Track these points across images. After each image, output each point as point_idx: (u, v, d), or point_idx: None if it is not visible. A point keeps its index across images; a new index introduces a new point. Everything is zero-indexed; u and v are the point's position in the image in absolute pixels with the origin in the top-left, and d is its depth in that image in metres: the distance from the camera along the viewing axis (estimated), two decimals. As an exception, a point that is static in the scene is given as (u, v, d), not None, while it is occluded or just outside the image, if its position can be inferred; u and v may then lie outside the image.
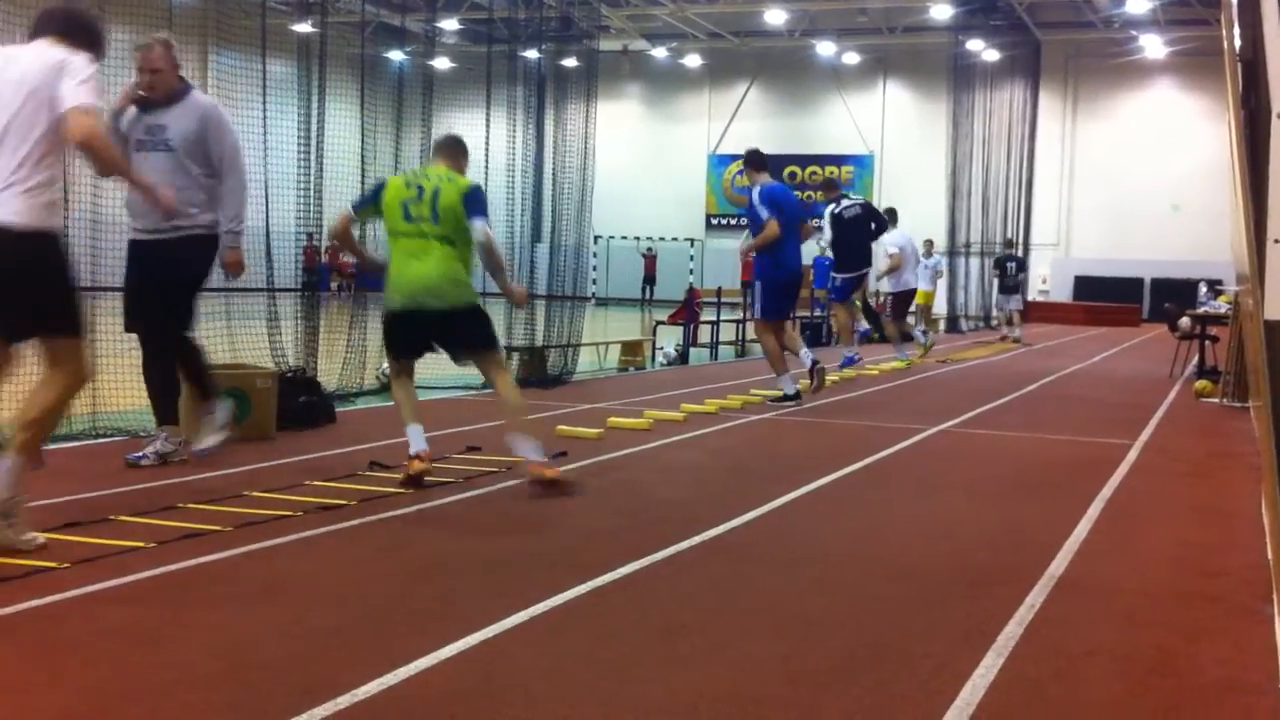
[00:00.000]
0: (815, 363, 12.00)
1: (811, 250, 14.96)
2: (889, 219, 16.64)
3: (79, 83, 4.99)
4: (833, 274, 15.97)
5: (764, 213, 11.16)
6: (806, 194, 42.58)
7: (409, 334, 7.10)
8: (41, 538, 5.12)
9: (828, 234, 15.67)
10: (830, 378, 13.14)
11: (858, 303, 18.98)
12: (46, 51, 5.12)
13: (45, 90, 4.98)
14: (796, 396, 11.32)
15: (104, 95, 5.36)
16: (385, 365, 11.87)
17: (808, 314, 22.61)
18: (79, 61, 5.07)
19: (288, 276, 13.16)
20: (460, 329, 7.07)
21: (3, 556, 4.87)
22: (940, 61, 35.72)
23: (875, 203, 20.78)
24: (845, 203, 15.53)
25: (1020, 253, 32.29)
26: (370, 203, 7.19)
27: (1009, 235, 30.66)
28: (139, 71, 7.03)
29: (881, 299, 21.41)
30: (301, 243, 10.86)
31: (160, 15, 10.05)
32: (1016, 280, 24.22)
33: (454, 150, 7.41)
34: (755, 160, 11.65)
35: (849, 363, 15.09)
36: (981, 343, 22.95)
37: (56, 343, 5.16)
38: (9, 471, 5.00)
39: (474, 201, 7.03)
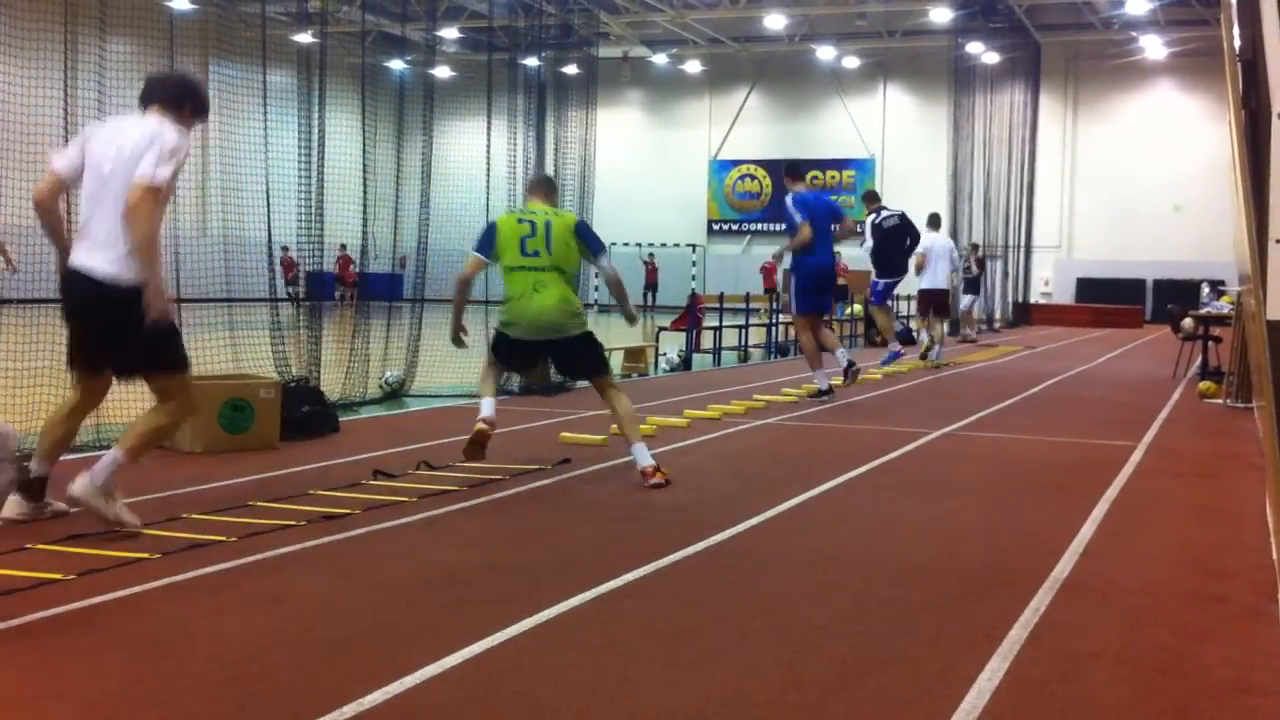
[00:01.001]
0: (851, 364, 12.41)
1: (856, 253, 15.38)
2: (931, 224, 17.85)
3: (157, 158, 5.43)
4: (873, 278, 16.83)
5: (797, 217, 11.85)
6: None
7: (522, 357, 7.97)
8: (138, 521, 5.64)
9: (869, 242, 16.30)
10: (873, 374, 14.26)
11: (851, 310, 19.39)
12: (147, 122, 5.62)
13: (137, 159, 5.44)
14: (830, 392, 12.06)
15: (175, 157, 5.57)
16: (389, 374, 11.93)
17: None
18: (169, 135, 5.52)
19: (281, 286, 13.18)
20: (579, 356, 7.77)
21: (86, 547, 4.88)
22: (940, 64, 35.74)
23: None
24: (885, 213, 16.20)
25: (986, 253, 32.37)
26: (492, 244, 7.64)
27: (974, 240, 30.32)
28: None
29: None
30: (305, 253, 10.86)
31: (161, 26, 10.08)
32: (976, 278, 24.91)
33: (547, 187, 8.14)
34: (792, 170, 12.74)
35: (893, 358, 16.08)
36: (985, 346, 22.93)
37: (162, 380, 5.77)
38: (111, 461, 5.57)
39: (590, 236, 7.73)
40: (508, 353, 7.79)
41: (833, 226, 12.18)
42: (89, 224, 5.55)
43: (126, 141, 5.51)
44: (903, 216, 16.36)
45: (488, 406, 7.61)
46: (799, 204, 11.95)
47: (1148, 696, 3.78)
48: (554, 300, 7.49)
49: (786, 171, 12.79)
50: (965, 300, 24.44)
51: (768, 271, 35.79)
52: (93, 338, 5.64)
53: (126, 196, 5.39)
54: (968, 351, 20.68)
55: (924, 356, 17.23)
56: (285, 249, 11.02)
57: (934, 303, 17.67)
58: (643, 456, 7.37)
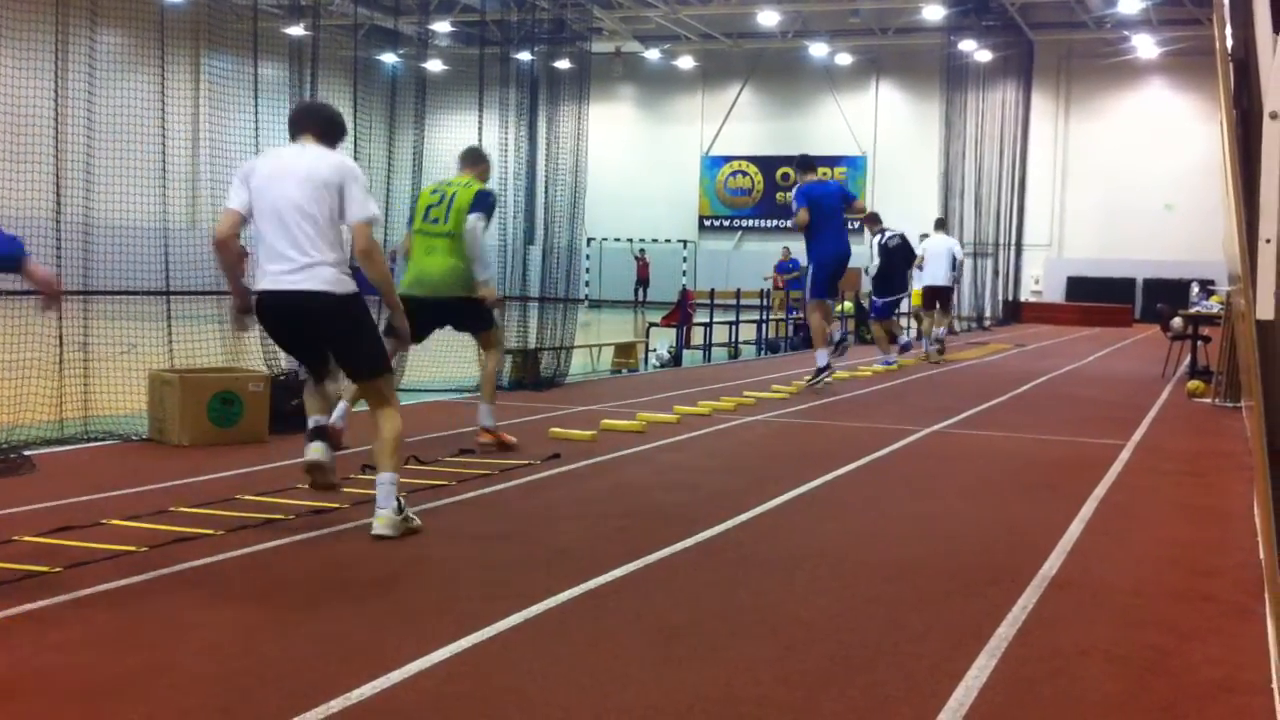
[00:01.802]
0: (842, 339, 13.91)
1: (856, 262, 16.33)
2: (936, 225, 19.56)
3: (363, 195, 5.85)
4: (873, 296, 17.67)
5: (794, 205, 12.87)
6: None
7: (418, 319, 7.48)
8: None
9: (876, 262, 17.27)
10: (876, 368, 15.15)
11: (848, 307, 19.70)
12: (317, 153, 5.86)
13: (333, 185, 5.75)
14: (828, 367, 13.01)
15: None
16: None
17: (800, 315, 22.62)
18: (354, 168, 5.91)
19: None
20: (465, 315, 8.34)
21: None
22: (933, 62, 35.73)
23: (869, 204, 21.25)
24: (888, 234, 17.12)
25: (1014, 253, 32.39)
26: (411, 210, 8.49)
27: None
28: None
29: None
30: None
31: (152, 18, 10.05)
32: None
33: (471, 159, 8.67)
34: (803, 164, 13.39)
35: (885, 363, 16.52)
36: (975, 343, 22.96)
37: (365, 386, 6.11)
38: (389, 482, 5.78)
39: (479, 200, 8.17)
40: (412, 321, 6.86)
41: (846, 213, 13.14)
42: (274, 251, 5.73)
43: (303, 175, 5.74)
44: (903, 237, 17.21)
45: (484, 415, 8.43)
46: (800, 195, 12.79)
47: (1135, 694, 3.79)
48: (440, 263, 8.11)
49: (798, 166, 13.48)
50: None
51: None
52: (312, 349, 6.07)
53: (355, 240, 5.83)
54: (957, 349, 20.68)
55: (940, 353, 18.01)
56: None
57: (936, 297, 18.25)
58: (485, 418, 8.36)
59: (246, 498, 6.36)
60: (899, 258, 17.19)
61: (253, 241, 5.95)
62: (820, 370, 12.87)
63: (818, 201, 12.71)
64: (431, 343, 13.13)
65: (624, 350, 16.89)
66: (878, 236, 17.35)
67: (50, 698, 3.53)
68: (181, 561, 5.04)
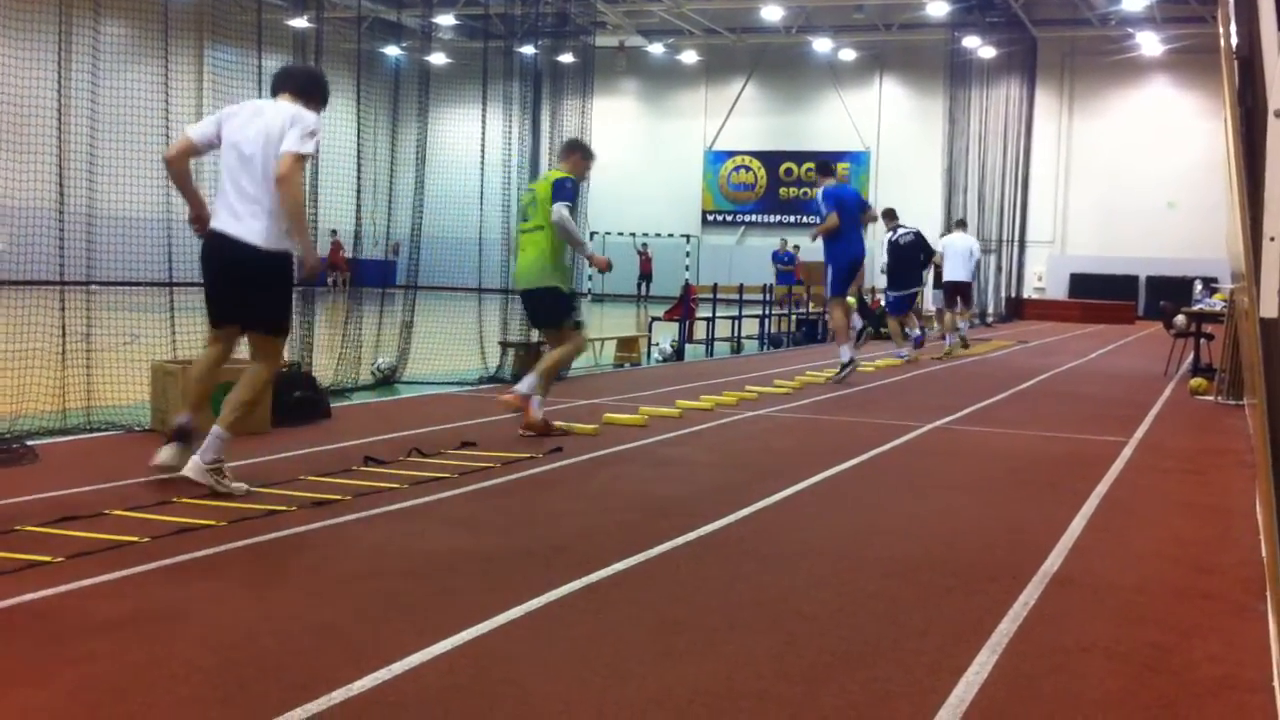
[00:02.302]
0: (861, 331, 14.95)
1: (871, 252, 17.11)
2: (957, 225, 20.88)
3: (301, 134, 6.20)
4: (887, 291, 18.37)
5: (824, 208, 13.48)
6: (804, 191, 42.58)
7: (526, 310, 9.30)
8: (244, 489, 6.20)
9: (885, 258, 18.05)
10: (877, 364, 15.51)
11: (851, 302, 19.88)
12: (283, 107, 6.35)
13: (278, 138, 6.19)
14: (852, 362, 13.53)
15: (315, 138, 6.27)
16: (381, 361, 11.92)
17: (803, 310, 22.62)
18: (308, 116, 6.30)
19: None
20: (538, 309, 8.99)
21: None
22: (936, 58, 35.75)
23: (871, 200, 21.55)
24: (900, 231, 17.79)
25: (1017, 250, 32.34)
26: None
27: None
28: None
29: (879, 295, 21.98)
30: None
31: (156, 9, 10.04)
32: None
33: (566, 149, 9.26)
34: (823, 168, 14.43)
35: (918, 340, 17.50)
36: (977, 340, 22.94)
37: (271, 341, 6.54)
38: (216, 438, 6.26)
39: (557, 189, 8.66)
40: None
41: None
42: (229, 195, 6.26)
43: (267, 124, 6.23)
44: (918, 234, 17.93)
45: (526, 383, 8.77)
46: (828, 197, 13.50)
47: (1136, 691, 3.79)
48: (526, 258, 8.84)
49: (818, 169, 14.54)
50: (931, 295, 22.76)
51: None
52: (229, 294, 6.37)
53: (276, 168, 6.13)
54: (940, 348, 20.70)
55: (963, 345, 19.01)
56: (334, 232, 11.15)
57: (957, 292, 19.21)
58: (525, 386, 8.69)
59: (248, 489, 6.36)
60: (910, 253, 17.71)
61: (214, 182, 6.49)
62: (845, 365, 13.43)
63: (844, 204, 13.54)
64: (431, 337, 13.17)
65: (626, 344, 16.89)
66: (890, 233, 17.94)
67: (50, 688, 3.54)
68: (183, 552, 5.04)
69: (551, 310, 8.87)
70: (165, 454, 6.33)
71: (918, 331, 17.64)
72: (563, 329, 8.93)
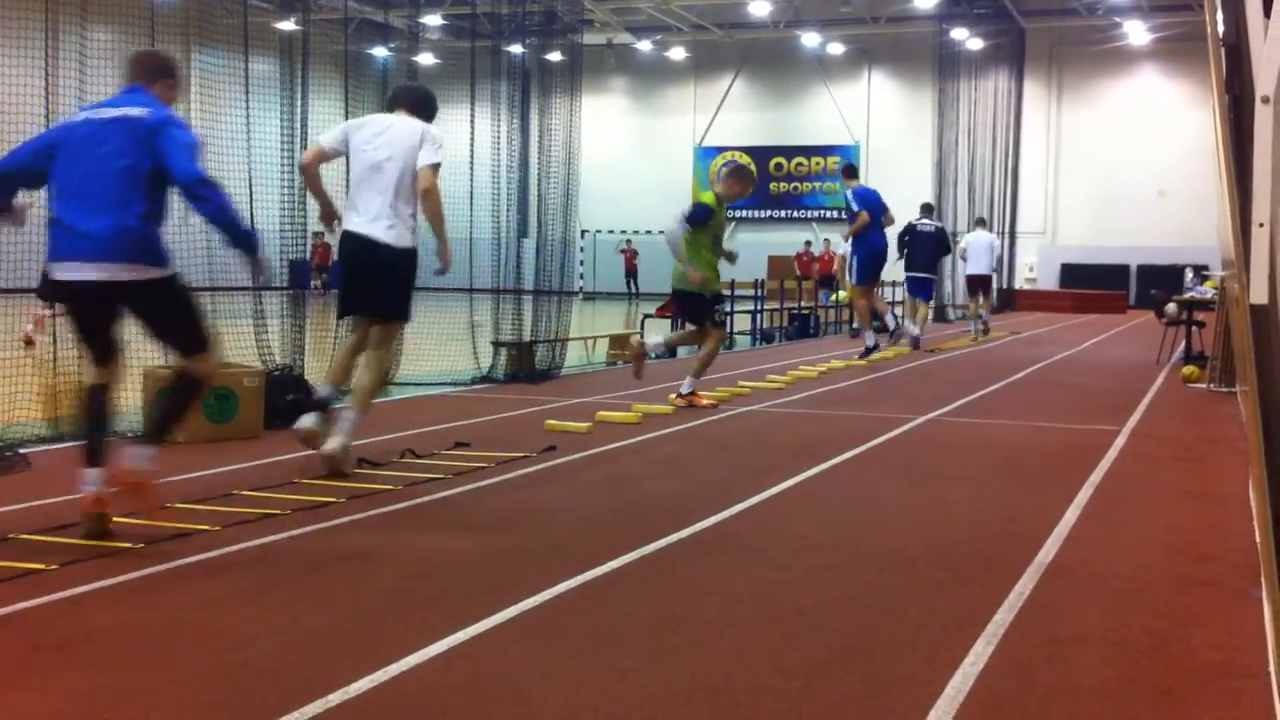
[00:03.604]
0: (893, 330, 16.35)
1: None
2: (977, 223, 23.41)
3: (435, 148, 7.03)
4: (907, 273, 18.94)
5: (855, 206, 15.28)
6: (794, 185, 42.59)
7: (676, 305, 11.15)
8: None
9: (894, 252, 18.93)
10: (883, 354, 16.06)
11: (843, 296, 21.54)
12: (406, 121, 7.13)
13: (409, 149, 6.98)
14: (876, 346, 15.27)
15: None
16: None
17: (794, 304, 22.62)
18: (433, 130, 7.09)
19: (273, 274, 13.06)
20: (685, 303, 10.62)
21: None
22: (925, 51, 35.73)
23: None
24: (925, 221, 18.92)
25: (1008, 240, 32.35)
26: (707, 220, 10.20)
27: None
28: None
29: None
30: (287, 241, 10.82)
31: (142, 13, 10.01)
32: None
33: (726, 174, 10.48)
34: (849, 171, 16.50)
35: (915, 340, 17.98)
36: (966, 331, 22.96)
37: (392, 327, 7.38)
38: (351, 422, 7.01)
39: (692, 208, 10.34)
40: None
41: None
42: (359, 200, 7.01)
43: (394, 137, 7.00)
44: (940, 229, 19.29)
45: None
46: (858, 197, 15.34)
47: (1132, 679, 3.79)
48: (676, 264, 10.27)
49: (844, 172, 16.48)
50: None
51: (804, 262, 35.28)
52: (362, 287, 7.13)
53: (419, 181, 6.94)
54: (952, 338, 20.68)
55: (975, 338, 20.50)
56: (321, 234, 11.13)
57: (979, 285, 20.88)
58: (685, 387, 10.36)
59: (243, 493, 6.36)
60: (926, 241, 18.45)
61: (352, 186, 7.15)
62: (867, 350, 15.11)
63: (871, 204, 15.32)
64: (423, 338, 13.15)
65: (619, 342, 16.88)
66: (913, 221, 18.85)
67: (47, 694, 3.53)
68: (178, 557, 5.03)
69: (696, 308, 10.38)
70: (308, 420, 7.02)
71: (915, 330, 17.81)
72: (705, 327, 10.33)
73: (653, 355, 10.39)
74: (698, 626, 4.24)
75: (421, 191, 6.96)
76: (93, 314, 5.53)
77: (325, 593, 4.64)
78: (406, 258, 7.06)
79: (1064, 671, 3.84)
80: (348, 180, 7.37)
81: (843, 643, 4.08)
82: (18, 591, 4.48)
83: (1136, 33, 37.22)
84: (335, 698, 3.48)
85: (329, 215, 7.20)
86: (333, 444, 6.83)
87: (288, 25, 11.98)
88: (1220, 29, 4.48)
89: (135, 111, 5.46)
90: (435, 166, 6.98)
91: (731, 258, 10.54)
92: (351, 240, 7.05)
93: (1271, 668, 3.80)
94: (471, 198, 14.24)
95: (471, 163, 14.07)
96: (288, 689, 3.55)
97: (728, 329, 19.64)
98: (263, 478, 6.80)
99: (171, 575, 4.82)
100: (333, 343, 11.33)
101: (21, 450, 7.32)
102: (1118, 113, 38.87)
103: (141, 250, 5.37)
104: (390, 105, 7.39)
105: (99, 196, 5.32)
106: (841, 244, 21.89)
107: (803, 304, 22.83)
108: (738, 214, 44.22)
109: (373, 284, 7.09)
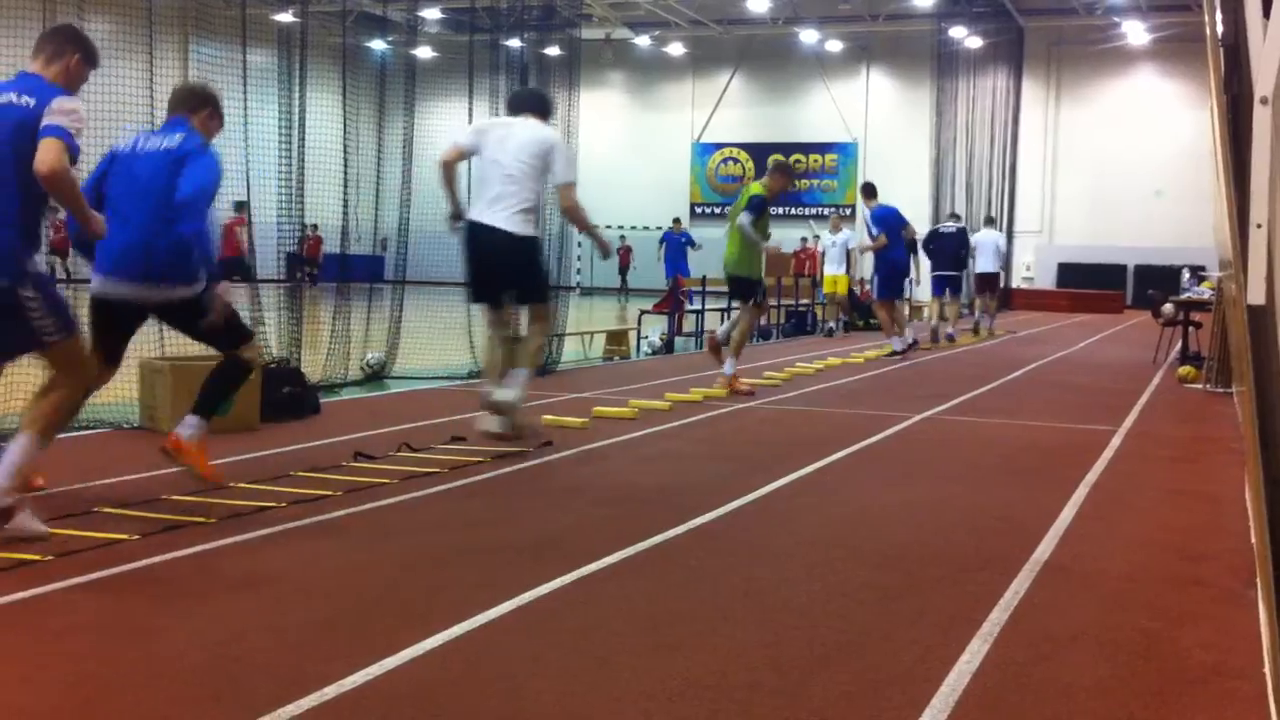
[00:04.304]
0: (913, 344, 16.51)
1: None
2: (985, 223, 24.37)
3: (567, 164, 7.73)
4: (931, 272, 20.23)
5: (874, 229, 16.42)
6: (792, 183, 42.57)
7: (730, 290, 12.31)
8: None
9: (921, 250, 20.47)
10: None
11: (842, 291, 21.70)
12: (534, 127, 7.75)
13: (537, 154, 7.61)
14: (902, 352, 16.00)
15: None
16: (370, 356, 11.90)
17: (792, 301, 22.62)
18: (563, 144, 7.76)
19: (269, 266, 13.08)
20: (731, 286, 12.17)
21: None
22: (923, 49, 35.75)
23: (858, 192, 22.30)
24: (948, 225, 20.57)
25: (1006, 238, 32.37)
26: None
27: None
28: None
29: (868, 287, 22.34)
30: (288, 233, 10.82)
31: (140, 6, 9.99)
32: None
33: (770, 171, 11.76)
34: (868, 190, 16.80)
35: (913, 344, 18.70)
36: (966, 330, 22.96)
37: (534, 307, 7.96)
38: (521, 377, 7.76)
39: (750, 203, 11.36)
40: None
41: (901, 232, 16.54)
42: (486, 194, 7.62)
43: (524, 141, 7.62)
44: (961, 230, 20.30)
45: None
46: (876, 220, 16.43)
47: (1126, 679, 3.80)
48: (727, 250, 11.54)
49: (863, 192, 16.96)
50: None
51: (799, 261, 35.25)
52: (493, 273, 7.70)
53: (560, 199, 7.87)
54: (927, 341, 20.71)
55: (975, 330, 21.57)
56: (315, 227, 11.12)
57: (987, 283, 21.99)
58: (727, 368, 11.26)
59: (238, 485, 6.35)
60: (948, 243, 19.65)
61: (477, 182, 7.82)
62: (894, 353, 15.99)
63: (889, 224, 16.36)
64: (419, 332, 13.14)
65: (616, 338, 16.89)
66: (939, 225, 21.04)
67: (39, 685, 3.53)
68: (173, 550, 5.03)
69: (742, 291, 11.58)
70: (491, 424, 7.72)
71: (950, 329, 19.32)
72: (745, 306, 11.58)
73: (725, 342, 11.47)
74: (692, 622, 4.24)
75: (564, 210, 7.86)
76: (115, 323, 5.97)
77: (319, 586, 4.63)
78: (530, 244, 7.67)
79: (1058, 670, 3.84)
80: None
81: (837, 640, 4.08)
82: (9, 582, 4.47)
83: (1135, 32, 37.23)
84: (329, 691, 3.48)
85: (457, 215, 7.73)
86: (506, 393, 7.60)
87: (285, 18, 11.95)
88: (1219, 29, 4.48)
89: (170, 142, 5.89)
90: (572, 184, 7.75)
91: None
92: (478, 230, 7.61)
93: (1266, 668, 3.80)
94: (468, 191, 14.22)
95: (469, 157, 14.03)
96: (281, 682, 3.54)
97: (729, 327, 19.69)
98: (258, 470, 6.80)
99: (165, 567, 4.81)
100: (328, 336, 11.34)
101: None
102: (1116, 112, 38.88)
103: (172, 272, 5.79)
104: (513, 109, 8.03)
105: (140, 220, 5.72)
106: (826, 236, 22.46)
107: (800, 301, 22.83)
108: (735, 210, 44.19)
109: (504, 271, 7.70)
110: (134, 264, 5.78)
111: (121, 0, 9.82)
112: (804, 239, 37.89)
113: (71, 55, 5.39)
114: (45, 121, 4.98)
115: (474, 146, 7.78)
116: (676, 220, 35.32)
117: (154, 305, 5.94)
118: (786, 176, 11.85)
